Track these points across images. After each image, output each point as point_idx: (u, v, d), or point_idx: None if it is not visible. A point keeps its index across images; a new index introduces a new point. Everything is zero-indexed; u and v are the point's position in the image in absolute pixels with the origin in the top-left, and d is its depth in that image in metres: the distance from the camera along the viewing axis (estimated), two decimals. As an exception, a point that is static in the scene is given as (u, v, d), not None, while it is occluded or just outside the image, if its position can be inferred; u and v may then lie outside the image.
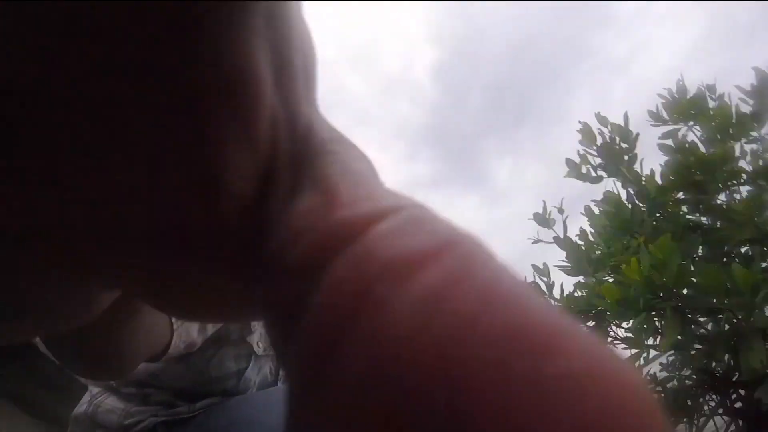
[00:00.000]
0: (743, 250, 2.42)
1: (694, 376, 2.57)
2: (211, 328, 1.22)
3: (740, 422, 2.63)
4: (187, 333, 1.10)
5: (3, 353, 2.12)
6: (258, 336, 1.43)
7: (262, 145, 0.24)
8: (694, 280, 1.99)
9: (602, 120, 2.56)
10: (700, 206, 2.38)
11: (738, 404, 2.59)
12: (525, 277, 2.87)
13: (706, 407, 2.66)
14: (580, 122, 2.57)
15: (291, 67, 0.26)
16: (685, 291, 2.04)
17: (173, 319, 0.92)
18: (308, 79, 0.30)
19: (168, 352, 1.00)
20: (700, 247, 2.37)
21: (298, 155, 0.27)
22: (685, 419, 2.59)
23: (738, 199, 2.34)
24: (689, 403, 2.51)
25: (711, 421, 2.76)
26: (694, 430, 2.71)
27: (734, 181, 2.34)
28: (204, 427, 1.23)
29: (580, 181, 2.70)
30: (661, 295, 1.99)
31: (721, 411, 2.66)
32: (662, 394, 2.50)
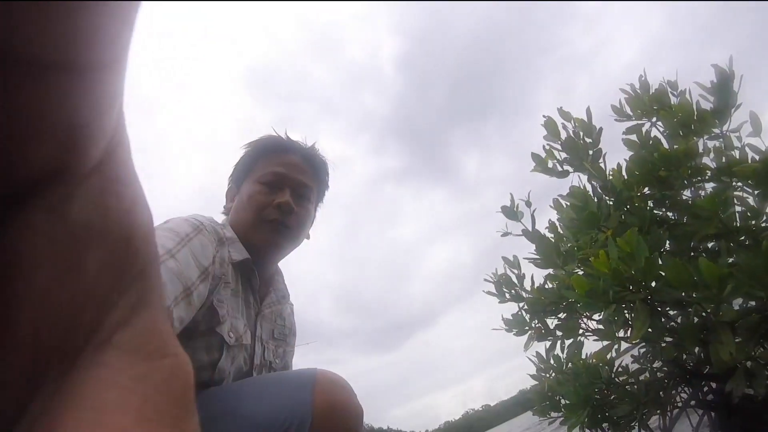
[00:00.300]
0: (710, 245, 2.43)
1: (665, 369, 2.58)
2: (178, 326, 1.18)
3: (712, 415, 2.64)
4: None
5: None
6: (228, 326, 1.41)
7: (18, 367, 0.22)
8: (662, 273, 1.98)
9: (565, 115, 2.56)
10: (666, 202, 2.39)
11: (710, 397, 2.61)
12: (496, 269, 2.87)
13: (678, 399, 2.67)
14: (543, 116, 2.56)
15: (84, 264, 0.24)
16: (653, 284, 2.03)
17: None
18: (119, 267, 0.28)
19: None
20: (667, 242, 2.38)
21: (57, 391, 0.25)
22: (658, 411, 2.59)
23: (702, 196, 2.36)
24: (662, 395, 2.51)
25: (684, 413, 2.77)
26: (667, 422, 2.72)
27: (698, 178, 2.35)
28: None
29: (546, 176, 2.69)
30: (630, 287, 1.99)
31: (693, 403, 2.67)
32: (635, 386, 2.49)
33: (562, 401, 2.70)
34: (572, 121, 2.53)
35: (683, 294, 2.02)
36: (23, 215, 0.19)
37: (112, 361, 0.25)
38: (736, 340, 1.98)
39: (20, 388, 0.22)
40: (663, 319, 2.33)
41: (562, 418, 2.65)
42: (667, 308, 2.33)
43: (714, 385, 2.57)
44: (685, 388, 2.71)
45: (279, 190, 1.60)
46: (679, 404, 2.70)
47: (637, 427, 2.68)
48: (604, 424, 2.68)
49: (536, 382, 2.86)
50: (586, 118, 2.49)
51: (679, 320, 2.32)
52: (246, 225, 1.58)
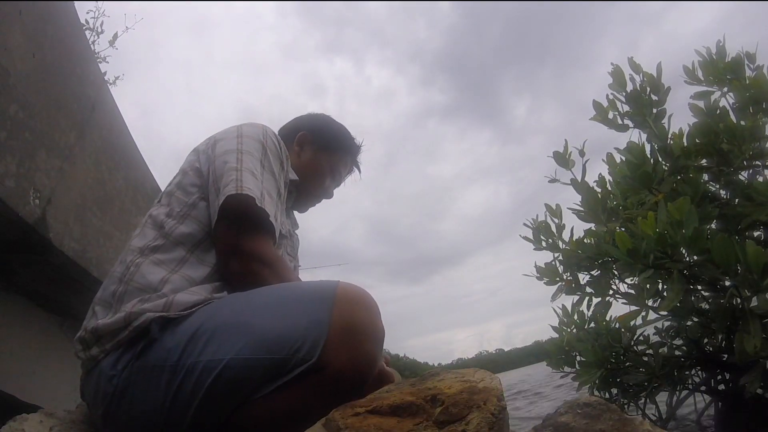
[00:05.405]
0: (756, 234, 2.36)
1: (684, 348, 2.55)
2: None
3: (719, 404, 2.62)
4: None
5: (15, 249, 2.10)
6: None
7: None
8: (707, 249, 1.92)
9: (635, 66, 2.44)
10: (722, 178, 2.30)
11: (721, 386, 2.60)
12: (537, 215, 2.84)
13: (690, 382, 2.65)
14: (612, 64, 2.45)
15: None
16: (695, 257, 1.98)
17: None
18: None
19: None
20: (714, 220, 2.30)
21: None
22: (668, 388, 2.60)
23: (761, 180, 2.26)
24: (676, 373, 2.50)
25: (692, 396, 2.76)
26: (674, 400, 2.70)
27: (759, 162, 2.26)
28: (191, 327, 1.21)
29: (601, 129, 2.58)
30: (672, 256, 1.94)
31: (704, 389, 2.65)
32: (652, 358, 2.46)
33: (578, 358, 2.69)
34: (641, 75, 2.41)
35: (722, 274, 1.97)
36: None
37: None
38: (764, 336, 1.92)
39: None
40: (694, 298, 2.29)
41: (574, 375, 2.64)
42: (702, 288, 2.28)
43: (728, 375, 2.53)
44: (700, 372, 2.69)
45: (334, 183, 2.10)
46: (690, 386, 2.68)
47: (644, 399, 2.66)
48: (614, 390, 2.67)
49: (556, 335, 2.87)
50: (655, 74, 2.38)
51: (710, 302, 2.27)
52: (302, 181, 1.89)
